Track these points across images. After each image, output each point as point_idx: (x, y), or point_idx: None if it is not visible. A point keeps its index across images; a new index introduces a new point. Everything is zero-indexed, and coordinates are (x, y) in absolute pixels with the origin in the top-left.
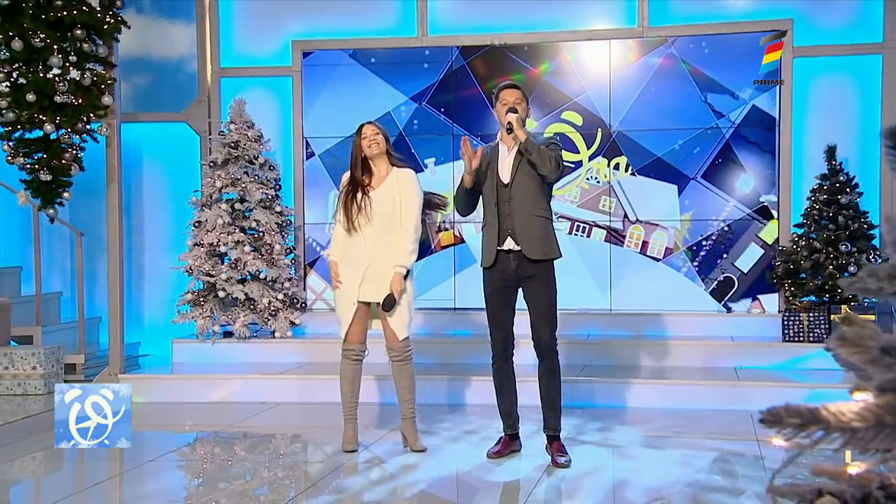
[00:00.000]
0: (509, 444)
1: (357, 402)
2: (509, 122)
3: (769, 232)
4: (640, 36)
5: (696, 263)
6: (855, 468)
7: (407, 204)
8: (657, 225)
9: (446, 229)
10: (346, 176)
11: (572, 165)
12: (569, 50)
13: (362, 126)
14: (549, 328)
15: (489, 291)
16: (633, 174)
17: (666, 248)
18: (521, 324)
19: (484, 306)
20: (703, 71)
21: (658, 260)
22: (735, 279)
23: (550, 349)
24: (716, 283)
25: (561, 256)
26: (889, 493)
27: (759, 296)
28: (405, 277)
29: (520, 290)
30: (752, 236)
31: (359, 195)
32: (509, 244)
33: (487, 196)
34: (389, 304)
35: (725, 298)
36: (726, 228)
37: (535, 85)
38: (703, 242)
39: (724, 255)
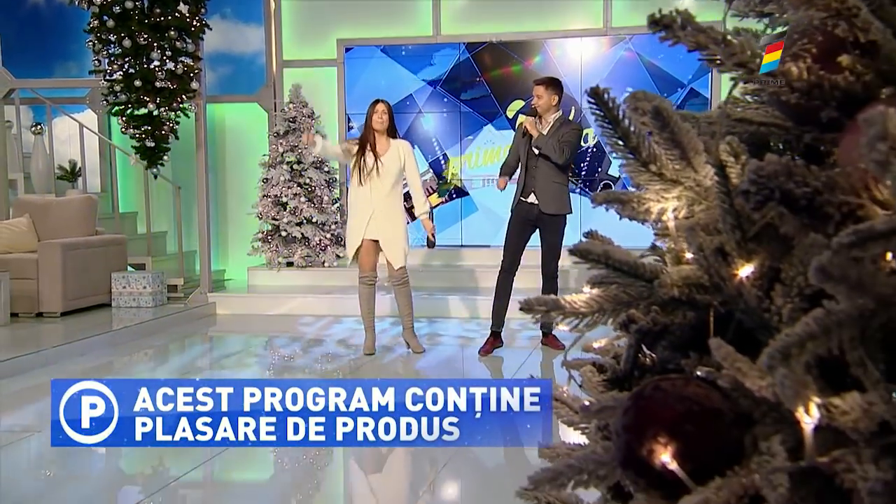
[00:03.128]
0: (493, 342)
1: (374, 315)
2: (524, 126)
3: None
4: (605, 34)
5: (580, 181)
6: (597, 343)
7: (410, 167)
8: None
9: (434, 191)
10: (352, 142)
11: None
12: (552, 46)
13: (377, 102)
14: (554, 262)
15: (511, 224)
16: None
17: None
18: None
19: (487, 243)
20: (653, 62)
21: None
22: (612, 184)
23: (553, 276)
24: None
25: (571, 213)
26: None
27: None
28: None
29: (536, 231)
30: None
31: (369, 158)
32: (532, 199)
33: (522, 160)
34: (431, 243)
35: None
36: (595, 150)
37: (527, 73)
38: (582, 164)
39: (599, 169)
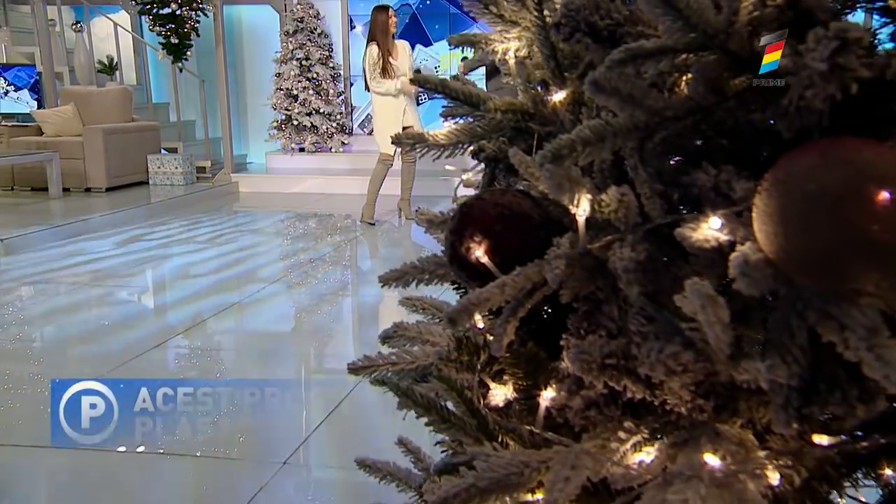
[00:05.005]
0: None
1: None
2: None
3: None
4: None
5: None
6: (464, 175)
7: (410, 62)
8: None
9: None
10: (376, 47)
11: None
12: None
13: (389, 7)
14: None
15: None
16: None
17: None
18: None
19: None
20: None
21: None
22: None
23: None
24: None
25: None
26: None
27: None
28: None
29: None
30: None
31: (392, 60)
32: None
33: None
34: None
35: None
36: None
37: None
38: None
39: None
